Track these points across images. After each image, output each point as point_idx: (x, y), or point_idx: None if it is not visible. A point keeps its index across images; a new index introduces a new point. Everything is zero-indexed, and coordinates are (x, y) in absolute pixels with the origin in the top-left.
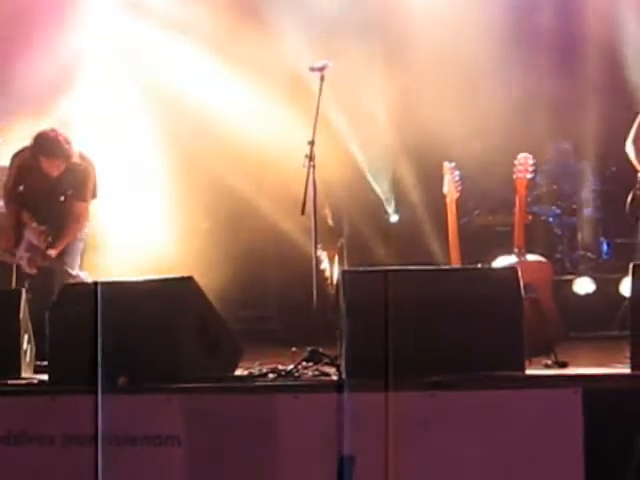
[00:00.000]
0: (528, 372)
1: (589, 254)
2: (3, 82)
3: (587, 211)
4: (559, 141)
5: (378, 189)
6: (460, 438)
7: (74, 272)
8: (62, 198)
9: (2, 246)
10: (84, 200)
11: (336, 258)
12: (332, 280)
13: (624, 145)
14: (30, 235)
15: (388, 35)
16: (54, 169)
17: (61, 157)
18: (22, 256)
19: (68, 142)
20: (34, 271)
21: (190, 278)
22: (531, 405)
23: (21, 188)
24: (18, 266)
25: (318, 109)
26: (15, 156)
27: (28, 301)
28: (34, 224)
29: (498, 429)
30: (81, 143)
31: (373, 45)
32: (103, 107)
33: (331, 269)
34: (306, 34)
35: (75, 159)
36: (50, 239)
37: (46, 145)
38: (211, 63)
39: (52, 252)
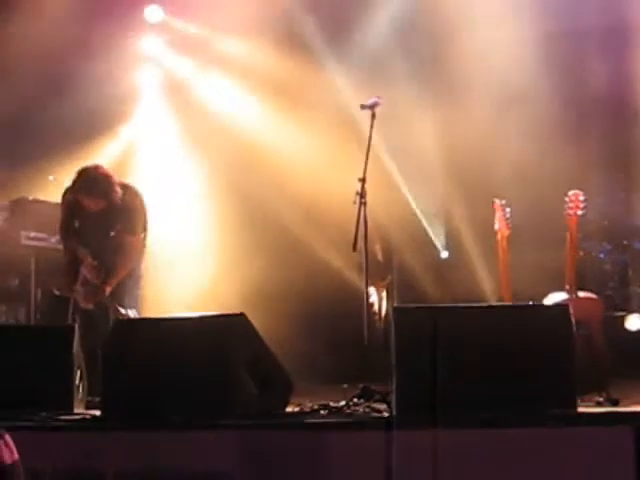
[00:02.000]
0: (580, 410)
1: None
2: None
3: (638, 246)
4: (610, 174)
5: (428, 226)
6: (510, 476)
7: (124, 311)
8: (112, 233)
9: (61, 282)
10: (134, 234)
11: (384, 294)
12: (380, 315)
13: None
14: (85, 271)
15: (439, 72)
16: (93, 206)
17: (99, 195)
18: (78, 292)
19: (108, 179)
20: (90, 306)
21: (242, 314)
22: (583, 443)
23: (77, 224)
24: (75, 301)
25: (369, 146)
26: (64, 194)
27: (81, 336)
28: (89, 259)
29: (549, 467)
30: (133, 176)
31: (423, 82)
32: (158, 140)
33: (380, 305)
34: (358, 72)
35: (118, 194)
36: (103, 275)
37: (84, 183)
38: (266, 100)
39: (106, 288)
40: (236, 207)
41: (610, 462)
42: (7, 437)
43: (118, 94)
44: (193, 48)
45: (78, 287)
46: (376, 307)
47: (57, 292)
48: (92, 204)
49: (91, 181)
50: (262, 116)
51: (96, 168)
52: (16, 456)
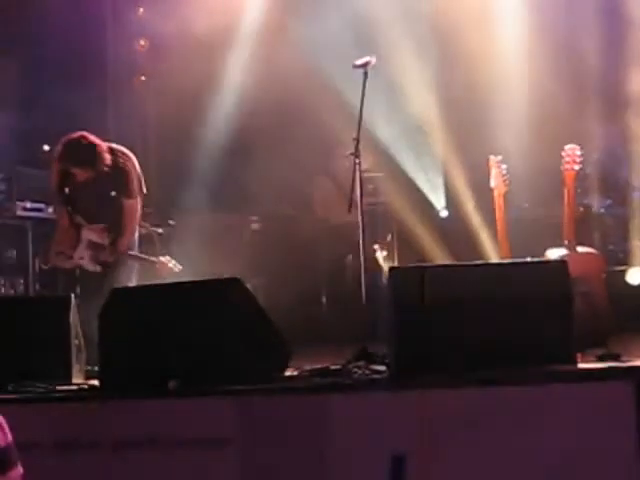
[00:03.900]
0: (580, 365)
1: None
2: None
3: (639, 199)
4: (608, 127)
5: (426, 185)
6: (511, 434)
7: (163, 259)
8: (113, 193)
9: (59, 248)
10: (131, 197)
11: (384, 253)
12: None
13: None
14: (89, 234)
15: (436, 28)
16: (81, 175)
17: (86, 164)
18: (83, 255)
19: (92, 147)
20: (98, 268)
21: (237, 279)
22: (583, 399)
23: (67, 190)
24: (69, 270)
25: (362, 106)
26: (53, 160)
27: (78, 306)
28: (89, 224)
29: (550, 424)
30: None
31: (420, 38)
32: None
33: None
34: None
35: (106, 161)
36: (112, 235)
37: (71, 153)
38: None
39: (120, 246)
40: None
41: (611, 417)
42: (0, 419)
43: None
44: None
45: (81, 251)
46: (385, 269)
47: (44, 266)
48: (79, 173)
49: (76, 151)
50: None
51: (80, 137)
52: (9, 438)
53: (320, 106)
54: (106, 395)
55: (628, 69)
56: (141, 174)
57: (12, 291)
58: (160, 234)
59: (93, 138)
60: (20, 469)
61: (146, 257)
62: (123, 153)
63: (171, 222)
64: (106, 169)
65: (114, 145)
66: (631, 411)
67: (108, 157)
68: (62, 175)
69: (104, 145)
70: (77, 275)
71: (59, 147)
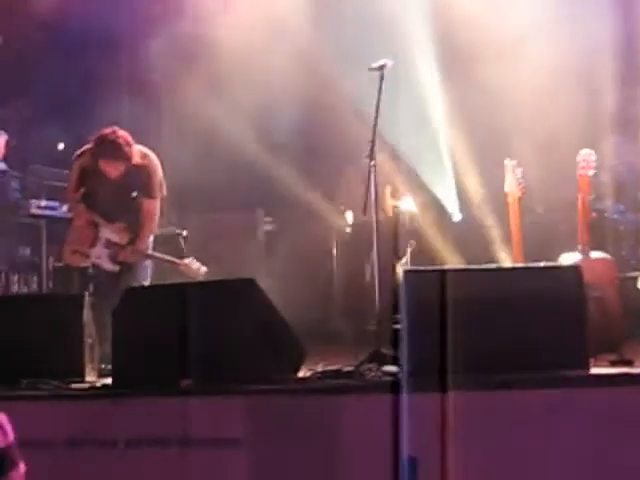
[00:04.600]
0: (593, 371)
1: None
2: None
3: None
4: (622, 134)
5: (439, 189)
6: (523, 437)
7: (187, 260)
8: (133, 194)
9: (75, 246)
10: (152, 197)
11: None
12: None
13: None
14: (108, 233)
15: (453, 33)
16: (114, 171)
17: (121, 160)
18: (100, 254)
19: (129, 144)
20: (116, 268)
21: (252, 280)
22: (596, 404)
23: (83, 190)
24: (83, 269)
25: (378, 108)
26: (76, 158)
27: (92, 304)
28: (108, 223)
29: (562, 428)
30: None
31: (437, 42)
32: None
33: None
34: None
35: (136, 160)
36: (131, 234)
37: (106, 148)
38: None
39: (140, 245)
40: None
41: (623, 422)
42: (1, 418)
43: None
44: None
45: (99, 250)
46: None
47: (60, 264)
48: (112, 169)
49: (112, 145)
50: None
51: (114, 132)
52: (10, 438)
53: (341, 108)
54: (119, 393)
55: None
56: (162, 176)
57: (25, 289)
58: (185, 236)
59: (124, 133)
60: (22, 469)
61: (169, 258)
62: (148, 154)
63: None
64: (134, 166)
65: (140, 147)
66: None
67: (137, 154)
68: (82, 173)
69: (132, 142)
70: (91, 274)
71: (94, 142)
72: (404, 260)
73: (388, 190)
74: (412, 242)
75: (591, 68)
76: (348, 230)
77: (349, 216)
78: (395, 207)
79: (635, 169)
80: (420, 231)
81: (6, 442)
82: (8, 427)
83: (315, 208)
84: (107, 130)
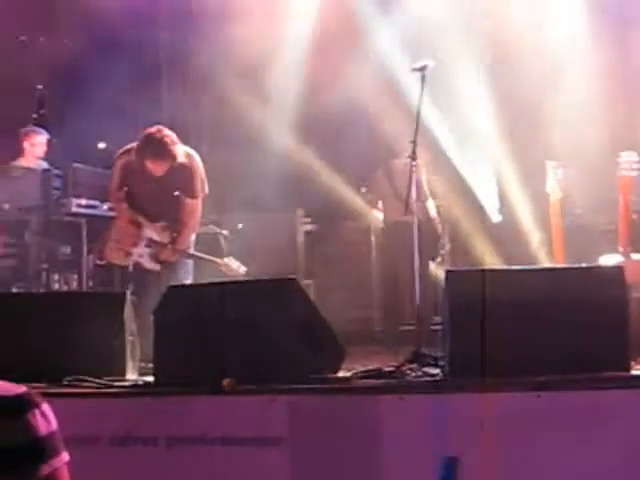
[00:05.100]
0: (634, 372)
1: None
2: None
3: None
4: None
5: (480, 190)
6: (565, 439)
7: (226, 260)
8: (175, 193)
9: (117, 245)
10: (194, 197)
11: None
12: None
13: None
14: (150, 232)
15: (493, 32)
16: (159, 170)
17: (167, 159)
18: (142, 253)
19: (174, 143)
20: (157, 267)
21: (294, 279)
22: (638, 405)
23: (125, 189)
24: (124, 267)
25: (420, 109)
26: (119, 157)
27: (136, 303)
28: (150, 222)
29: (604, 429)
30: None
31: (477, 42)
32: None
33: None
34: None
35: (180, 157)
36: (174, 234)
37: (152, 147)
38: None
39: (181, 245)
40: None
41: None
42: (44, 407)
43: None
44: None
45: (141, 249)
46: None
47: (100, 262)
48: (157, 167)
49: (158, 144)
50: None
51: (160, 131)
52: (53, 427)
53: (381, 108)
54: (161, 392)
55: None
56: (204, 175)
57: (66, 287)
58: (226, 236)
59: (170, 132)
60: (65, 457)
61: (209, 257)
62: (190, 154)
63: (239, 225)
64: (178, 165)
65: (183, 146)
66: None
67: (181, 153)
68: (125, 172)
69: (177, 142)
70: (132, 272)
71: (140, 141)
72: (439, 259)
73: (427, 190)
74: (446, 243)
75: (634, 69)
76: (383, 229)
77: (380, 215)
78: (436, 207)
79: None
80: (460, 232)
81: (49, 429)
82: (51, 416)
83: (353, 208)
84: (153, 129)
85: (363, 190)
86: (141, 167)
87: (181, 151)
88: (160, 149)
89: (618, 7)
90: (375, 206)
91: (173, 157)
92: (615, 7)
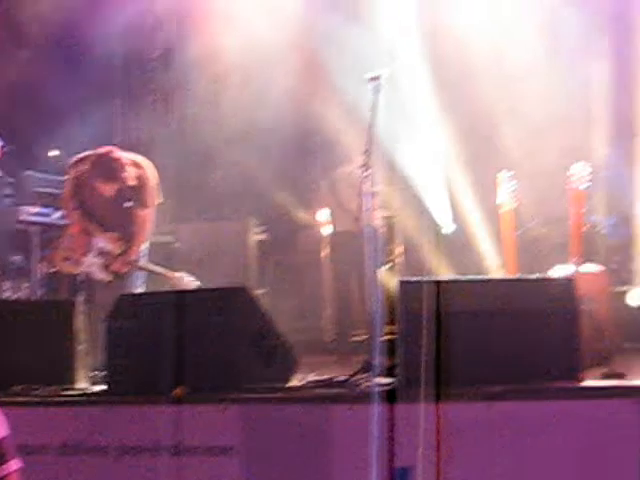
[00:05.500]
0: (585, 383)
1: None
2: None
3: None
4: (615, 147)
5: (432, 200)
6: (516, 449)
7: (177, 274)
8: (129, 204)
9: (68, 254)
10: (146, 206)
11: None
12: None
13: None
14: (102, 242)
15: (445, 45)
16: (108, 190)
17: (116, 181)
18: (92, 263)
19: (123, 167)
20: (109, 277)
21: (244, 288)
22: (588, 416)
23: (78, 198)
24: (74, 276)
25: (373, 119)
26: (72, 166)
27: (87, 311)
28: (102, 232)
29: (554, 440)
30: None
31: (433, 54)
32: None
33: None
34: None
35: (131, 175)
36: (124, 245)
37: (102, 169)
38: None
39: (131, 255)
40: None
41: (615, 435)
42: None
43: None
44: None
45: (92, 259)
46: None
47: (54, 269)
48: (107, 188)
49: (108, 168)
50: None
51: (110, 154)
52: (4, 433)
53: (331, 118)
54: (111, 400)
55: (635, 92)
56: (157, 184)
57: (17, 295)
58: (177, 246)
59: (120, 153)
60: (16, 464)
61: (161, 270)
62: (142, 164)
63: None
64: (130, 183)
65: (135, 156)
66: (636, 430)
67: (132, 171)
68: (77, 182)
69: (129, 159)
70: (82, 281)
71: (89, 162)
72: (388, 267)
73: (379, 200)
74: (398, 250)
75: (585, 80)
76: (334, 239)
77: (329, 225)
78: (386, 217)
79: (627, 182)
80: (411, 242)
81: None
82: (2, 422)
83: (304, 217)
84: (103, 150)
85: (311, 201)
86: (91, 186)
87: (132, 173)
88: (109, 172)
89: (570, 33)
90: (324, 216)
91: (123, 180)
92: (568, 34)
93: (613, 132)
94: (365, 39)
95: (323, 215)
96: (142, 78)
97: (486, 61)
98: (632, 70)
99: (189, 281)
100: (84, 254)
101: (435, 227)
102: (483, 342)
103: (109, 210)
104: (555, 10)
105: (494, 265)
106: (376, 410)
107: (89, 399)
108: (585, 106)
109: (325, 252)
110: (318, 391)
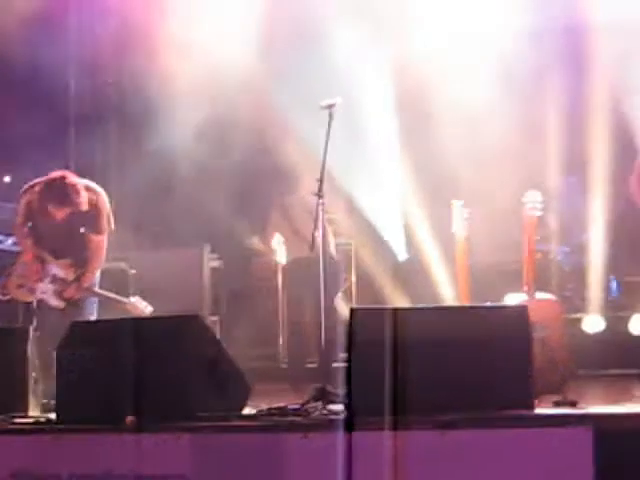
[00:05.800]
0: (537, 411)
1: (598, 292)
2: None
3: (596, 249)
4: (568, 176)
5: (386, 228)
6: (470, 477)
7: (133, 299)
8: (82, 230)
9: (21, 281)
10: (99, 233)
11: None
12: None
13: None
14: (55, 268)
15: (403, 74)
16: (60, 214)
17: (69, 206)
18: (46, 290)
19: (78, 192)
20: (62, 304)
21: (197, 316)
22: (541, 444)
23: (30, 225)
24: (27, 304)
25: (327, 146)
26: (24, 192)
27: (37, 338)
28: (55, 259)
29: (508, 468)
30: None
31: (386, 84)
32: None
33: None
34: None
35: (84, 199)
36: (78, 271)
37: (54, 194)
38: None
39: (84, 283)
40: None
41: (568, 463)
42: None
43: None
44: None
45: (45, 286)
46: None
47: (3, 297)
48: (59, 212)
49: (57, 191)
50: None
51: (63, 178)
52: None
53: (284, 145)
54: (63, 429)
55: (588, 124)
56: (110, 210)
57: None
58: (132, 273)
59: (73, 178)
60: None
61: (115, 296)
62: (96, 190)
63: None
64: (83, 208)
65: (88, 182)
66: (588, 457)
67: (85, 196)
68: (28, 209)
69: (82, 184)
70: (35, 309)
71: (42, 187)
72: (340, 294)
73: (333, 227)
74: (347, 278)
75: (539, 112)
76: (288, 266)
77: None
78: (341, 245)
79: (580, 211)
80: (365, 270)
81: None
82: None
83: (258, 244)
84: (56, 174)
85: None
86: (43, 210)
87: (85, 198)
88: (62, 197)
89: (523, 72)
90: (277, 244)
91: (76, 205)
92: (521, 72)
93: (566, 162)
94: (321, 67)
95: (277, 242)
96: (97, 105)
97: (444, 97)
98: (583, 103)
99: (144, 306)
100: (38, 281)
101: (390, 256)
102: (436, 370)
103: (62, 236)
104: (510, 51)
105: (448, 293)
106: (331, 438)
107: (40, 427)
108: (539, 138)
109: (279, 279)
110: (271, 419)
